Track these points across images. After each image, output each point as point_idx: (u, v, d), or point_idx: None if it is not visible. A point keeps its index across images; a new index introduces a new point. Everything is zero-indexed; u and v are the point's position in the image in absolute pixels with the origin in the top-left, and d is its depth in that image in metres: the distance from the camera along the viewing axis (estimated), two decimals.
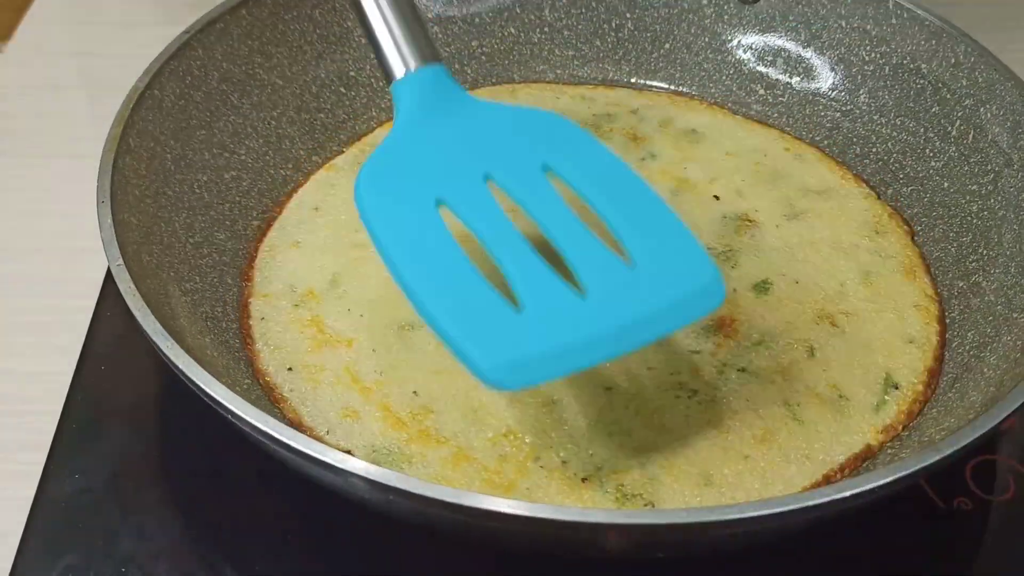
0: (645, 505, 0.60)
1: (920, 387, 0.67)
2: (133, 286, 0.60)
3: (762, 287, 0.72)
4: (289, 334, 0.70)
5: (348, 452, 0.63)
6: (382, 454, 0.63)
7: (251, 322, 0.71)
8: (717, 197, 0.78)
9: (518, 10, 0.88)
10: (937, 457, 0.53)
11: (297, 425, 0.65)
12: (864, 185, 0.80)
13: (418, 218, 0.61)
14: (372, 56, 0.82)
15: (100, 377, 0.72)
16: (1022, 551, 0.66)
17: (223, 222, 0.74)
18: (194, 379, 0.56)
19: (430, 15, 0.87)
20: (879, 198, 0.79)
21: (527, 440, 0.64)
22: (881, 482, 0.52)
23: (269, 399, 0.66)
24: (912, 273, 0.74)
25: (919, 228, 0.77)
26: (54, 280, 0.79)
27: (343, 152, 0.82)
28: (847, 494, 0.52)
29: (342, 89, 0.83)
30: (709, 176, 0.80)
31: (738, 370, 0.67)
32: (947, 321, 0.71)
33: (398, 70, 0.67)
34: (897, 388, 0.67)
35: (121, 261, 0.61)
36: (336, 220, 0.77)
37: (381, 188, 0.63)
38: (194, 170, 0.74)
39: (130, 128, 0.69)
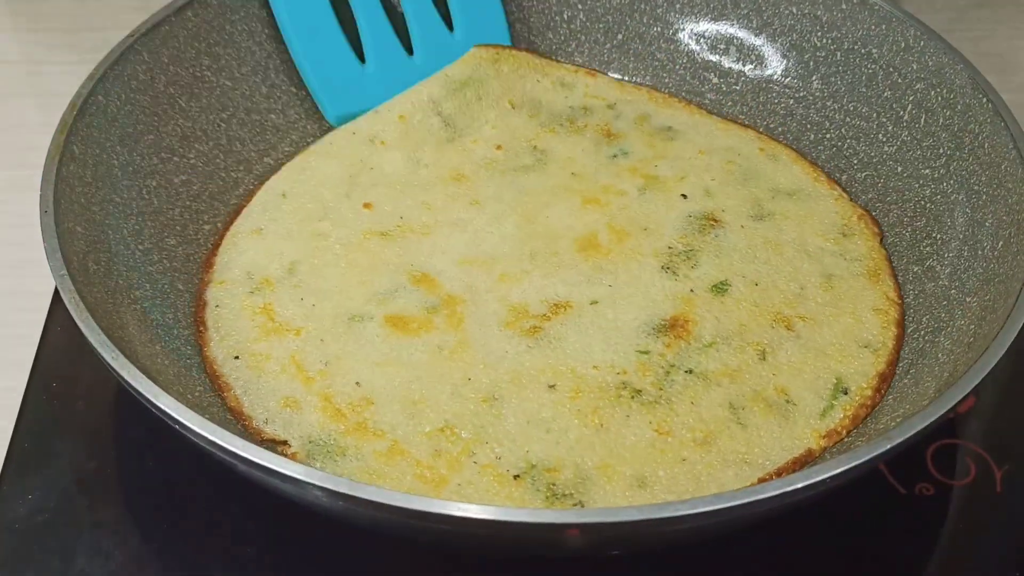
0: (575, 505, 0.60)
1: (870, 392, 0.66)
2: (77, 296, 0.59)
3: (720, 288, 0.72)
4: (240, 321, 0.69)
5: (285, 443, 0.63)
6: (317, 445, 0.63)
7: (206, 310, 0.70)
8: (685, 196, 0.77)
9: None
10: (889, 446, 0.53)
11: (237, 414, 0.65)
12: (837, 187, 0.79)
13: None
14: None
15: (52, 392, 0.71)
16: (983, 534, 0.66)
17: (173, 227, 0.74)
18: (141, 391, 0.55)
19: None
20: (851, 200, 0.78)
21: (464, 435, 0.63)
22: (832, 472, 0.52)
23: (214, 387, 0.66)
24: (875, 276, 0.73)
25: (875, 213, 0.77)
26: (3, 294, 0.78)
27: (297, 152, 0.81)
28: (798, 485, 0.52)
29: (293, 89, 0.83)
30: (679, 174, 0.79)
31: (685, 371, 0.67)
32: (903, 308, 0.71)
33: None
34: (846, 393, 0.66)
35: (65, 272, 0.61)
36: (302, 207, 0.77)
37: None
38: (142, 176, 0.73)
39: (74, 136, 0.69)
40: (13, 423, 0.69)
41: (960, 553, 0.65)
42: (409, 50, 0.83)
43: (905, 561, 0.65)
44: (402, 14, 0.83)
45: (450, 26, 0.84)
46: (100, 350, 0.57)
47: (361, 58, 0.82)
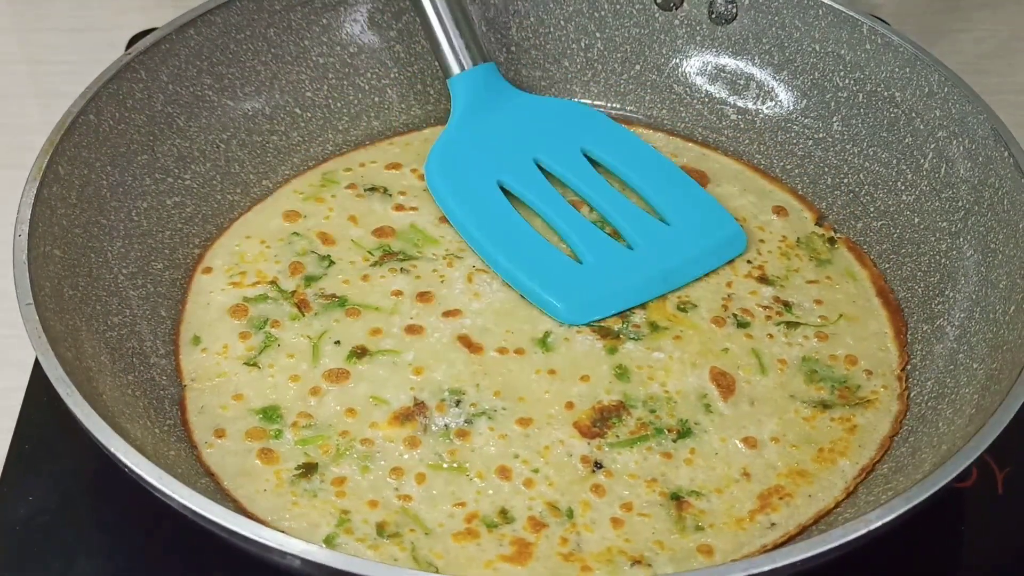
0: None
1: None
2: (39, 327, 0.58)
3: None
4: None
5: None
6: None
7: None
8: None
9: (483, 28, 0.85)
10: (865, 530, 0.51)
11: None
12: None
13: (485, 196, 0.76)
14: (329, 76, 0.82)
15: (54, 394, 0.69)
16: (985, 536, 0.65)
17: (162, 251, 0.72)
18: (92, 430, 0.54)
19: (391, 34, 0.84)
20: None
21: None
22: (802, 556, 0.50)
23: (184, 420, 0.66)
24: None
25: (887, 266, 0.74)
26: (3, 294, 0.77)
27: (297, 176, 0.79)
28: (764, 569, 0.49)
29: (297, 111, 0.81)
30: None
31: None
32: (908, 368, 0.69)
33: (455, 67, 0.78)
34: None
35: (31, 300, 0.59)
36: None
37: (449, 171, 0.77)
38: (132, 197, 0.72)
39: (59, 156, 0.67)
40: (14, 424, 0.69)
41: (962, 554, 0.65)
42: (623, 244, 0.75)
43: (906, 562, 0.63)
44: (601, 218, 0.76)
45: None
46: (56, 385, 0.56)
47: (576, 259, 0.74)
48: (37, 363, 0.70)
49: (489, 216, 0.74)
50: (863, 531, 0.51)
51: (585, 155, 0.78)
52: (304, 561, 0.51)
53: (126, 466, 0.53)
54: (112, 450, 0.54)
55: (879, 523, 0.51)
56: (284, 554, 0.51)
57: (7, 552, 0.63)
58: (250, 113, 0.79)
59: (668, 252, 0.73)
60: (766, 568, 0.49)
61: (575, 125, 0.80)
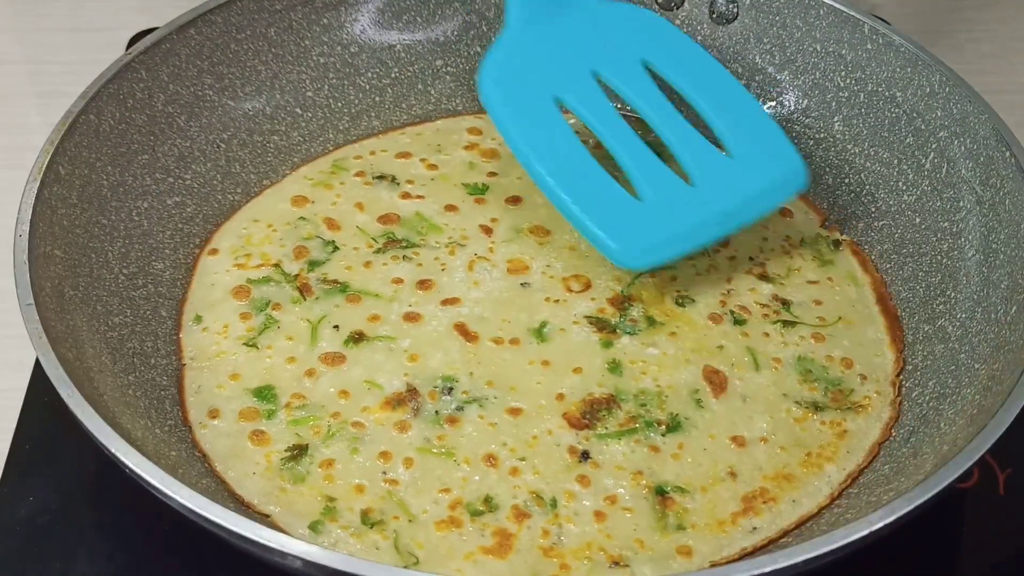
0: None
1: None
2: (40, 327, 0.58)
3: None
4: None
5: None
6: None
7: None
8: None
9: (484, 28, 0.85)
10: (867, 531, 0.51)
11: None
12: None
13: (542, 115, 0.71)
14: (330, 76, 0.82)
15: (55, 393, 0.69)
16: (986, 537, 0.65)
17: (162, 250, 0.72)
18: (91, 428, 0.54)
19: (392, 34, 0.84)
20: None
21: None
22: (804, 557, 0.50)
23: (185, 422, 0.65)
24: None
25: (890, 266, 0.74)
26: (4, 294, 0.77)
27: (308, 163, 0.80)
28: (766, 569, 0.49)
29: (298, 110, 0.81)
30: None
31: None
32: (908, 368, 0.69)
33: None
34: None
35: (32, 300, 0.59)
36: None
37: (503, 84, 0.71)
38: (133, 196, 0.72)
39: (60, 156, 0.67)
40: (15, 424, 0.69)
41: (963, 555, 0.65)
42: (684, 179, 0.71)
43: (907, 563, 0.63)
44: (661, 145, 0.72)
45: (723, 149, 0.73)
46: (56, 385, 0.56)
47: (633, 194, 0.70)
48: (37, 363, 0.69)
49: (544, 137, 0.70)
50: (865, 532, 0.51)
51: (648, 68, 0.74)
52: (305, 562, 0.50)
53: (126, 466, 0.53)
54: (112, 450, 0.54)
55: (881, 524, 0.51)
56: (285, 554, 0.51)
57: (7, 552, 0.63)
58: (251, 113, 0.79)
59: (728, 189, 0.70)
60: (768, 568, 0.49)
61: (639, 34, 0.75)
